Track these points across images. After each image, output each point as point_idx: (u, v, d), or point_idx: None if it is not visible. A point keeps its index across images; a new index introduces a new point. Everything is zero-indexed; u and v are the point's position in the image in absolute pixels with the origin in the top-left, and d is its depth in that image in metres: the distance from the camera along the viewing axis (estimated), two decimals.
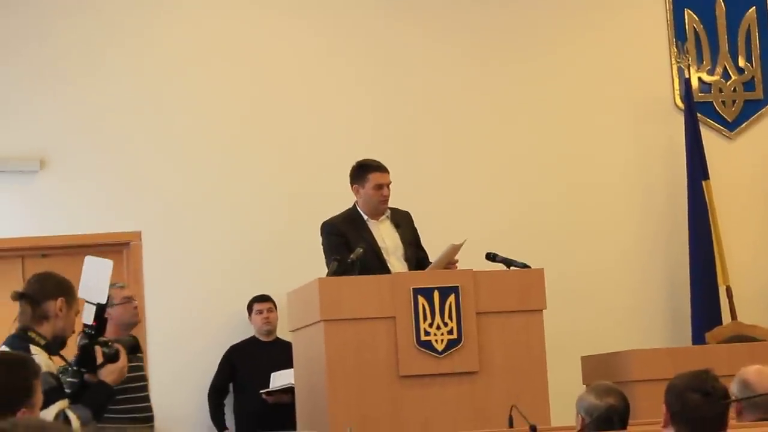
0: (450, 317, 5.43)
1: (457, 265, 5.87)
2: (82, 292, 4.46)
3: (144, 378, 6.22)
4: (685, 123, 8.03)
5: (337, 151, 7.46)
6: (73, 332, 4.52)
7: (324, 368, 5.35)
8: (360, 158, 6.23)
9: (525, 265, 5.75)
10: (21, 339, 4.31)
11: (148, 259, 7.54)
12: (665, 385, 3.75)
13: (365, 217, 6.10)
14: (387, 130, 7.85)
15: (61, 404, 4.17)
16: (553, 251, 7.62)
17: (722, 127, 8.33)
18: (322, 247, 6.09)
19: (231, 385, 7.44)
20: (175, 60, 7.71)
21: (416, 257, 6.13)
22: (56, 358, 4.41)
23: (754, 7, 8.42)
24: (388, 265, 5.97)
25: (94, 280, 4.44)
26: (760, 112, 8.39)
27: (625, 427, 4.19)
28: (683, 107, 8.13)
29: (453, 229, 6.67)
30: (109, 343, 4.45)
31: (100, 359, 4.39)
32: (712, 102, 8.33)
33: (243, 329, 7.50)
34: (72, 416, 4.17)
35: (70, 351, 4.60)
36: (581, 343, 6.93)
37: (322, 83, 7.88)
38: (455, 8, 8.05)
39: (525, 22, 8.16)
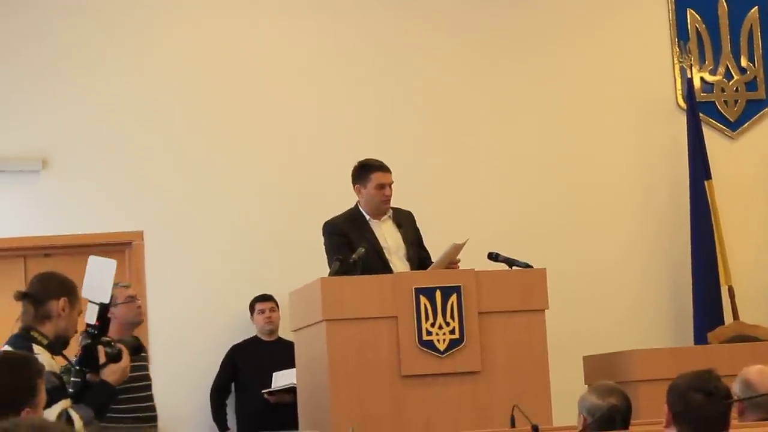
0: (452, 317, 5.43)
1: (459, 264, 5.87)
2: (85, 292, 4.46)
3: (148, 378, 6.22)
4: (687, 123, 8.03)
5: (340, 151, 7.46)
6: (76, 332, 4.53)
7: (326, 368, 5.36)
8: (363, 158, 6.23)
9: (527, 265, 5.75)
10: (24, 338, 4.31)
11: (150, 258, 7.54)
12: (667, 385, 3.75)
13: (367, 216, 6.10)
14: (390, 130, 7.85)
15: (64, 404, 4.18)
16: (556, 251, 7.62)
17: (724, 127, 8.33)
18: (324, 246, 6.09)
19: (233, 385, 7.44)
20: (177, 60, 7.71)
21: (418, 257, 6.13)
22: (59, 358, 4.41)
23: (756, 7, 8.42)
24: (390, 264, 5.97)
25: (98, 279, 4.44)
26: (762, 112, 8.39)
27: (627, 427, 4.18)
28: (685, 107, 8.13)
29: (455, 228, 6.68)
30: (112, 343, 4.45)
31: (102, 359, 4.39)
32: (714, 102, 8.33)
33: (245, 329, 7.50)
34: (75, 416, 4.17)
35: (72, 350, 4.60)
36: (583, 343, 6.94)
37: (326, 83, 7.88)
38: (458, 9, 8.05)
39: (527, 22, 8.16)
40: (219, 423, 7.39)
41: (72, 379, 4.42)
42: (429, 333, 5.41)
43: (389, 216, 6.14)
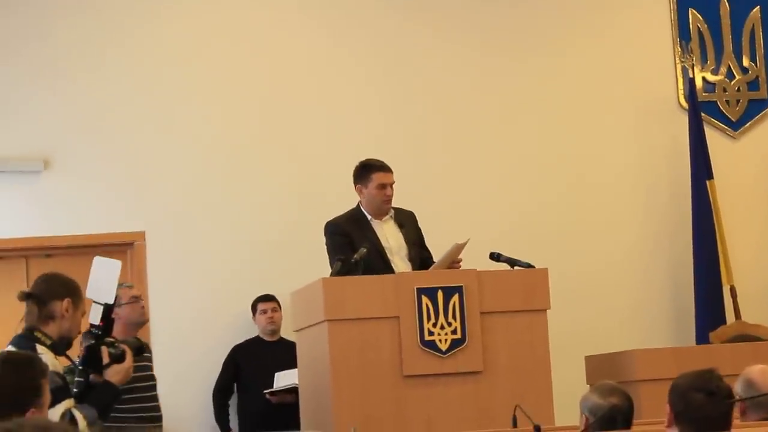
0: (454, 317, 5.44)
1: (460, 264, 5.88)
2: (90, 293, 4.47)
3: (152, 378, 6.21)
4: (689, 122, 8.03)
5: (342, 151, 7.46)
6: (79, 333, 4.54)
7: (328, 368, 5.36)
8: (364, 158, 6.24)
9: (529, 265, 5.75)
10: (27, 339, 4.32)
11: (152, 259, 7.54)
12: (669, 385, 3.75)
13: (369, 217, 6.11)
14: (391, 130, 7.85)
15: (67, 403, 4.18)
16: (557, 251, 7.62)
17: (726, 127, 8.33)
18: (325, 247, 6.09)
19: (235, 385, 7.45)
20: (178, 60, 7.71)
21: (420, 257, 6.13)
22: (62, 358, 4.42)
23: (758, 7, 8.41)
24: (392, 264, 5.97)
25: (103, 280, 4.45)
26: (764, 112, 8.38)
27: (629, 427, 4.18)
28: (687, 107, 8.13)
29: (456, 228, 6.67)
30: (116, 344, 4.45)
31: (106, 359, 4.40)
32: (716, 101, 8.33)
33: (247, 329, 7.51)
34: (78, 416, 4.18)
35: (75, 351, 4.61)
36: (585, 343, 6.94)
37: (329, 82, 7.88)
38: (459, 9, 8.05)
39: (527, 22, 8.16)
40: (221, 423, 7.38)
41: (75, 379, 4.43)
42: (431, 333, 5.41)
43: (391, 216, 6.14)
